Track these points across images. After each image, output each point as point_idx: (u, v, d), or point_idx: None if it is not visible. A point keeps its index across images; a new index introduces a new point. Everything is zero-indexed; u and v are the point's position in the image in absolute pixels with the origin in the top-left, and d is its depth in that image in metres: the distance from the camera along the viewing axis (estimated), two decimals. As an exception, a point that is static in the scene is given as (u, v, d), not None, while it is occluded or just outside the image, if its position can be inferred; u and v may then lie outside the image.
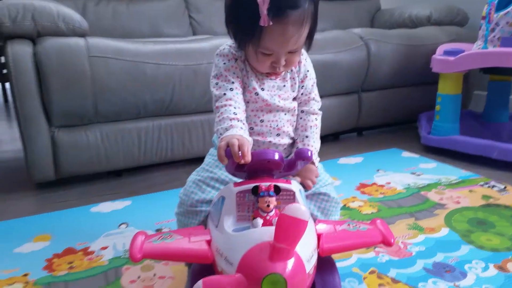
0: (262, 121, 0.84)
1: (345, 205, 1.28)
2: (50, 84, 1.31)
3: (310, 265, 0.64)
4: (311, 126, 0.88)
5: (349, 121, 2.00)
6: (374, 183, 1.44)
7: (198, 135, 1.60)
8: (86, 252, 1.04)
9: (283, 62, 0.79)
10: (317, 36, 1.91)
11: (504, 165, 1.56)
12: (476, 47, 1.76)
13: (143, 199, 1.36)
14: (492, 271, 0.93)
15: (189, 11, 2.13)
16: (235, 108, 0.77)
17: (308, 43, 0.83)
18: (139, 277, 0.93)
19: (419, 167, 1.60)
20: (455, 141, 1.69)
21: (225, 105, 0.77)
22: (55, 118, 1.36)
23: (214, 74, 0.83)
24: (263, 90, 0.84)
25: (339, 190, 1.38)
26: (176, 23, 2.06)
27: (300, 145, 0.87)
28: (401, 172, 1.55)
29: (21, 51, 1.31)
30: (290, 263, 0.59)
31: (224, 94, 0.79)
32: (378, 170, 1.57)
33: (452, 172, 1.53)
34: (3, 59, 3.05)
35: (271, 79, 0.85)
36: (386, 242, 0.73)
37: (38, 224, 1.20)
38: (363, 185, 1.43)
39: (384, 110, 2.07)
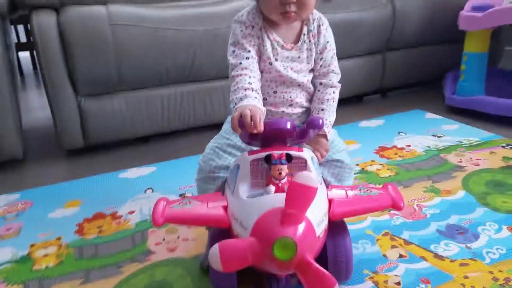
0: (275, 92, 0.85)
1: (363, 168, 1.30)
2: (74, 52, 1.36)
3: (320, 229, 0.68)
4: (328, 99, 0.88)
5: (373, 82, 1.98)
6: (394, 146, 1.45)
7: (219, 101, 1.63)
8: (114, 216, 1.12)
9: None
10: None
11: (530, 126, 1.53)
12: (507, 1, 1.67)
13: (167, 165, 1.41)
14: (505, 232, 0.94)
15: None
16: (250, 77, 0.78)
17: None
18: (163, 240, 0.99)
19: (441, 128, 1.59)
20: (479, 101, 1.66)
21: (240, 75, 0.78)
22: (81, 86, 1.42)
23: (232, 42, 0.84)
24: (276, 60, 0.84)
25: (358, 153, 1.40)
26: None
27: None
28: (423, 134, 1.54)
29: (45, 20, 1.34)
30: (300, 227, 0.63)
31: (240, 63, 0.80)
32: (399, 132, 1.57)
33: (474, 134, 1.52)
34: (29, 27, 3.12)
35: (286, 49, 0.85)
36: (396, 206, 0.75)
37: (69, 190, 1.28)
38: (382, 148, 1.43)
39: (409, 70, 2.03)
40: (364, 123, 1.70)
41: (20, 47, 3.10)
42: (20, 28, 3.37)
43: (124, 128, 1.53)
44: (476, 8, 1.65)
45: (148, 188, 1.26)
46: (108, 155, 1.54)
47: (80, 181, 1.34)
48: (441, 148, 1.41)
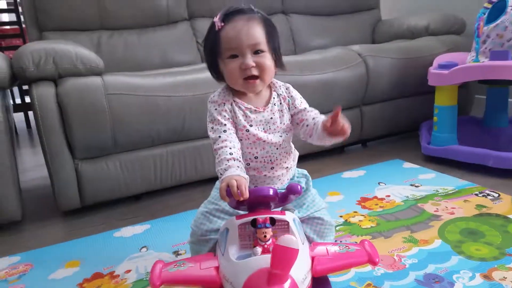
0: (256, 157, 0.94)
1: (346, 220, 1.37)
2: (72, 121, 1.45)
3: (304, 285, 0.75)
4: (316, 113, 0.97)
5: (353, 134, 2.03)
6: (375, 197, 1.54)
7: (208, 157, 1.72)
8: (112, 275, 1.17)
9: (251, 62, 0.88)
10: (317, 56, 2.03)
11: (502, 172, 1.64)
12: (469, 59, 1.84)
13: (161, 222, 1.48)
14: (478, 280, 1.01)
15: (196, 37, 2.26)
16: (230, 148, 0.87)
17: (275, 56, 0.93)
18: (159, 298, 1.05)
19: (418, 178, 1.69)
20: (452, 151, 1.77)
21: (222, 147, 0.88)
22: (78, 151, 1.50)
23: (209, 120, 0.95)
24: (251, 126, 0.93)
25: (341, 205, 1.48)
26: (185, 50, 2.18)
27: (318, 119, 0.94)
28: (401, 184, 1.64)
29: (44, 92, 1.44)
30: (285, 286, 0.70)
31: (219, 136, 0.90)
32: (379, 183, 1.67)
33: (449, 182, 1.62)
34: (24, 87, 3.23)
35: (259, 112, 0.94)
36: (372, 262, 0.83)
37: (67, 251, 1.33)
38: (364, 199, 1.52)
39: (386, 121, 2.16)
40: (346, 174, 1.80)
41: (15, 108, 3.20)
42: (15, 89, 3.49)
43: (119, 188, 1.60)
44: (442, 66, 1.80)
45: (143, 247, 1.32)
46: (103, 214, 1.60)
47: (77, 241, 1.39)
48: (418, 197, 1.50)
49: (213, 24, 0.91)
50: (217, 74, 0.97)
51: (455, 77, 1.72)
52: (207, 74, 1.64)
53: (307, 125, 0.95)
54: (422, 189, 1.58)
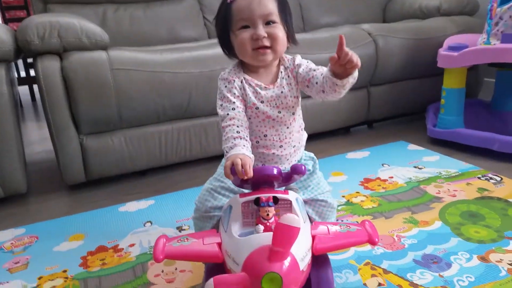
0: (265, 135, 0.95)
1: (348, 200, 1.39)
2: (77, 96, 1.45)
3: (303, 263, 0.76)
4: (324, 69, 0.92)
5: (359, 114, 2.09)
6: (378, 178, 1.54)
7: (214, 135, 1.73)
8: (116, 249, 1.19)
9: (262, 32, 0.88)
10: (326, 34, 2.01)
11: (507, 157, 1.63)
12: (480, 41, 1.81)
13: (165, 198, 1.50)
14: (475, 261, 1.03)
15: (203, 12, 2.23)
16: (237, 126, 0.88)
17: (287, 28, 0.92)
18: (162, 271, 1.07)
19: (422, 160, 1.69)
20: (458, 134, 1.77)
21: (229, 125, 0.88)
22: (83, 126, 1.51)
23: (219, 97, 0.95)
24: (262, 102, 0.93)
25: (344, 185, 1.49)
26: (192, 25, 2.16)
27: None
28: (405, 166, 1.64)
29: (49, 66, 1.44)
30: (286, 263, 0.71)
31: (227, 114, 0.90)
32: (383, 164, 1.67)
33: (453, 165, 1.62)
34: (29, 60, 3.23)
35: (269, 89, 0.94)
36: (371, 242, 0.84)
37: (72, 224, 1.36)
38: (367, 180, 1.53)
39: (393, 103, 2.15)
40: (351, 155, 1.80)
41: (20, 81, 3.20)
42: (19, 62, 3.49)
43: (124, 163, 1.62)
44: (452, 48, 1.77)
45: (147, 222, 1.34)
46: (108, 189, 1.62)
47: (82, 215, 1.41)
48: (421, 179, 1.51)
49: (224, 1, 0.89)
50: (229, 49, 0.95)
51: (465, 60, 1.70)
52: (214, 51, 1.66)
53: (316, 82, 0.91)
54: (426, 171, 1.58)
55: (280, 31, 0.90)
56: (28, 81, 3.38)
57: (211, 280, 0.70)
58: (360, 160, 1.74)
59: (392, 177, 1.54)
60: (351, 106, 2.02)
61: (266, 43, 0.89)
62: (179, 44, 1.84)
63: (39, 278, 1.08)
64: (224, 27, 0.92)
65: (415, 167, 1.63)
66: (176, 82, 1.55)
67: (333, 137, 2.06)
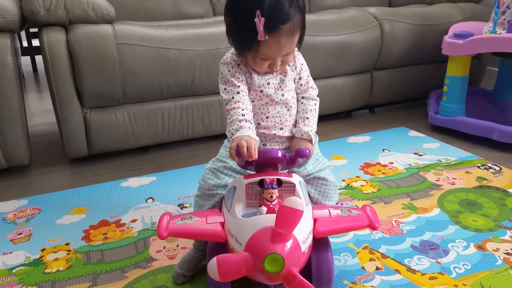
0: (267, 117, 0.96)
1: (348, 184, 1.40)
2: (82, 69, 1.45)
3: (305, 245, 0.78)
4: (311, 110, 0.99)
5: (361, 99, 2.09)
6: (378, 163, 1.56)
7: (216, 114, 1.73)
8: (118, 224, 1.21)
9: (279, 63, 0.91)
10: (332, 16, 1.99)
11: (507, 147, 1.65)
12: (486, 29, 1.80)
13: (167, 175, 1.51)
14: (472, 249, 1.05)
15: (208, -12, 2.19)
16: (242, 110, 0.89)
17: (299, 44, 0.94)
18: (164, 248, 1.09)
19: (422, 147, 1.70)
20: (459, 122, 1.77)
21: (234, 108, 0.89)
22: (87, 100, 1.51)
23: (221, 81, 0.95)
24: (268, 84, 0.95)
25: (344, 169, 1.51)
26: (197, 1, 2.12)
27: (301, 125, 0.97)
28: (405, 152, 1.65)
29: (55, 38, 1.43)
30: (288, 244, 0.73)
31: (233, 97, 0.91)
32: (383, 149, 1.68)
33: (453, 153, 1.63)
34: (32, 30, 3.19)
35: (272, 74, 0.96)
36: (372, 226, 0.86)
37: (75, 197, 1.37)
38: (367, 165, 1.54)
39: (396, 88, 2.15)
40: (351, 139, 1.81)
41: (22, 52, 3.16)
42: (22, 32, 3.44)
43: (126, 139, 1.62)
44: (457, 35, 1.76)
45: (149, 198, 1.35)
46: (110, 163, 1.63)
47: (84, 189, 1.43)
48: (421, 166, 1.52)
49: (252, 21, 0.83)
50: (238, 51, 0.94)
51: (470, 48, 1.69)
52: (219, 29, 1.65)
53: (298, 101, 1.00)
54: (426, 158, 1.60)
55: (292, 56, 0.94)
56: (30, 51, 3.34)
57: (214, 259, 0.72)
58: (360, 145, 1.75)
59: (392, 163, 1.55)
60: (354, 90, 2.02)
61: (279, 68, 0.94)
62: (184, 20, 1.81)
63: (42, 250, 1.10)
64: (242, 46, 0.91)
65: (415, 153, 1.64)
66: (181, 59, 1.55)
67: (334, 121, 2.07)
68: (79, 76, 1.45)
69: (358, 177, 1.45)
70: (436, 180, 1.41)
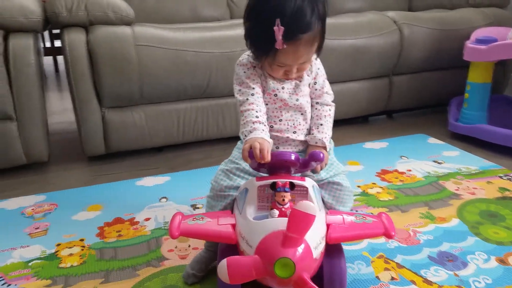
0: (280, 120, 0.94)
1: (364, 190, 1.38)
2: (101, 69, 1.46)
3: (317, 251, 0.76)
4: (325, 116, 0.97)
5: (379, 104, 2.05)
6: (396, 170, 1.53)
7: (231, 116, 1.73)
8: (132, 222, 1.22)
9: (295, 70, 0.90)
10: (350, 19, 1.97)
11: (529, 157, 1.60)
12: (511, 35, 1.75)
13: (180, 176, 1.51)
14: (493, 263, 1.01)
15: (226, -8, 2.20)
16: (257, 112, 0.88)
17: (318, 52, 0.93)
18: (176, 247, 1.09)
19: (442, 155, 1.66)
20: (480, 130, 1.73)
21: (248, 110, 0.88)
22: (106, 99, 1.52)
23: (237, 82, 0.95)
24: (283, 88, 0.94)
25: (360, 175, 1.48)
26: (214, 5, 2.13)
27: (315, 132, 0.96)
28: (424, 159, 1.62)
29: (76, 38, 1.45)
30: (299, 249, 0.72)
31: (247, 99, 0.90)
32: (401, 156, 1.65)
33: (474, 162, 1.59)
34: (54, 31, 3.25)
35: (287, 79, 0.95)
36: (387, 235, 0.83)
37: (90, 195, 1.38)
38: (384, 171, 1.51)
39: (415, 94, 2.11)
40: (368, 145, 1.78)
41: (45, 52, 3.22)
42: (45, 33, 3.51)
43: (142, 138, 1.64)
44: (480, 41, 1.72)
45: (163, 197, 1.36)
46: (126, 162, 1.65)
47: (101, 186, 1.44)
48: (440, 174, 1.49)
49: (271, 29, 0.82)
50: (255, 56, 0.93)
51: (493, 54, 1.65)
52: (235, 32, 1.65)
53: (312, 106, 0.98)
54: (445, 166, 1.56)
55: (308, 64, 0.93)
56: (52, 51, 3.41)
57: (224, 261, 0.71)
58: (377, 151, 1.72)
59: (410, 170, 1.52)
60: (372, 95, 2.00)
61: (294, 75, 0.92)
62: (201, 23, 1.82)
63: (58, 245, 1.11)
64: (259, 52, 0.90)
65: (434, 161, 1.60)
66: (198, 62, 1.55)
67: (350, 126, 2.04)
68: (98, 76, 1.47)
69: (374, 183, 1.42)
70: (455, 189, 1.38)
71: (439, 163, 1.59)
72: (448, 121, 1.91)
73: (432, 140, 1.82)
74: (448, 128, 1.87)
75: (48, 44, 3.53)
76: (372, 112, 2.08)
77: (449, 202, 1.30)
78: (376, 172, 1.51)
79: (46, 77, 3.32)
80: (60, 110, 2.42)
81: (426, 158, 1.63)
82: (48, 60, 3.53)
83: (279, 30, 0.81)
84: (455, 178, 1.46)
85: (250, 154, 0.80)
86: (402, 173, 1.50)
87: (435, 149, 1.73)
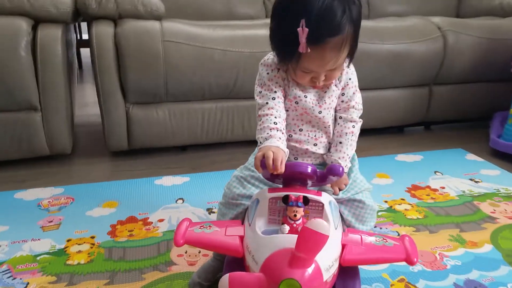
0: (301, 130, 0.88)
1: (391, 206, 1.29)
2: (127, 63, 1.45)
3: (328, 273, 0.70)
4: (346, 133, 0.89)
5: (416, 114, 1.94)
6: (428, 186, 1.43)
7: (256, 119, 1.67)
8: (145, 222, 1.19)
9: (322, 78, 0.82)
10: (391, 24, 1.87)
11: None
12: None
13: (200, 177, 1.47)
14: (527, 298, 0.92)
15: (263, -10, 2.15)
16: (275, 117, 0.82)
17: (350, 59, 0.84)
18: (186, 252, 1.05)
19: (480, 173, 1.54)
20: (525, 149, 1.60)
21: (267, 115, 0.82)
22: (130, 94, 1.51)
23: (258, 83, 0.89)
24: (306, 97, 0.87)
25: (388, 189, 1.39)
26: (249, 2, 2.09)
27: (333, 150, 0.89)
28: (460, 177, 1.50)
29: (103, 31, 1.45)
30: (308, 271, 0.65)
31: (267, 103, 0.84)
32: (436, 172, 1.54)
33: (514, 183, 1.46)
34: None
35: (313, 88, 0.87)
36: (409, 261, 0.75)
37: (108, 190, 1.37)
38: (415, 187, 1.42)
39: (456, 106, 1.98)
40: (401, 157, 1.68)
41: (83, 44, 3.27)
42: (83, 25, 3.56)
43: (166, 136, 1.61)
44: (532, 52, 1.59)
45: (179, 198, 1.32)
46: (148, 159, 1.63)
47: (119, 182, 1.43)
48: (475, 194, 1.38)
49: (295, 30, 0.74)
50: (279, 60, 0.85)
51: (546, 67, 1.52)
52: (267, 31, 1.59)
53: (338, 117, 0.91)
54: (482, 185, 1.44)
55: (338, 71, 0.83)
56: (78, 44, 3.44)
57: (226, 276, 0.66)
58: (410, 164, 1.62)
59: (443, 188, 1.42)
60: (409, 104, 1.89)
61: (322, 83, 0.84)
62: (234, 21, 1.78)
63: (68, 241, 1.10)
64: (282, 55, 0.83)
65: (471, 179, 1.49)
66: (225, 60, 1.51)
67: (383, 135, 1.94)
68: (124, 70, 1.46)
69: (403, 199, 1.33)
70: (491, 212, 1.27)
71: (476, 181, 1.47)
72: (489, 136, 1.78)
73: (470, 156, 1.70)
74: (489, 145, 1.74)
75: (85, 36, 3.57)
76: (409, 122, 1.97)
77: (482, 226, 1.19)
78: (407, 187, 1.41)
79: (82, 68, 3.37)
80: (93, 102, 2.44)
81: (462, 175, 1.52)
82: (86, 52, 3.58)
83: (303, 32, 0.74)
84: (492, 199, 1.35)
85: (263, 164, 0.74)
86: (435, 190, 1.40)
87: (473, 166, 1.61)
